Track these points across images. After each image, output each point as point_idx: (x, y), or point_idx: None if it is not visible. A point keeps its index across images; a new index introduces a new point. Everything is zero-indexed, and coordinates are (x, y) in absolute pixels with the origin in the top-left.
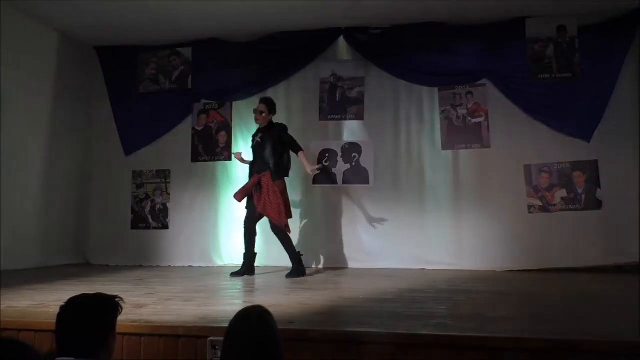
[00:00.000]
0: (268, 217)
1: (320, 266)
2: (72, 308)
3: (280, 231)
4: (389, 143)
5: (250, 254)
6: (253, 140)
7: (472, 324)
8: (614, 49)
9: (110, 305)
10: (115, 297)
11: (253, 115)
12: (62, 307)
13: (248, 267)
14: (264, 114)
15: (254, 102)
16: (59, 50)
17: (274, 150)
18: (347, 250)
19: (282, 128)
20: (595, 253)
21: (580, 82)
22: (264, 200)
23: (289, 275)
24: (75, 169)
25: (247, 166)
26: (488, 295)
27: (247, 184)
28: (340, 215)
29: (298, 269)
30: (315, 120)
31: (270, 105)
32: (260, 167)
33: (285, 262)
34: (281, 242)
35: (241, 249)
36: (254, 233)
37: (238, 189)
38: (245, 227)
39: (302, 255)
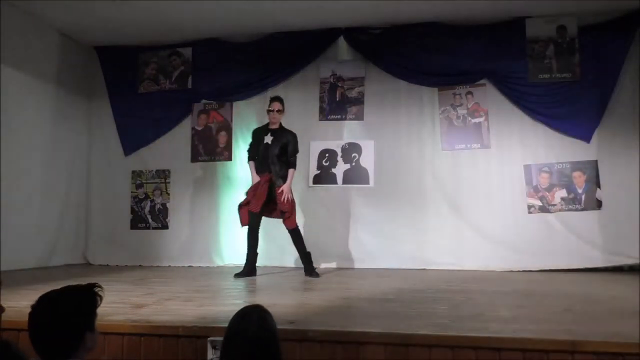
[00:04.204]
0: (286, 212)
1: (320, 266)
2: (42, 308)
3: (295, 229)
4: (389, 143)
5: (253, 255)
6: (261, 138)
7: (472, 324)
8: (614, 49)
9: (84, 300)
10: (94, 285)
11: (253, 116)
12: (32, 306)
13: (250, 267)
14: (281, 113)
15: (254, 102)
16: (59, 50)
17: (279, 155)
18: (347, 251)
19: (294, 135)
20: (595, 253)
21: (580, 82)
22: (282, 201)
23: (310, 275)
24: (75, 169)
25: (247, 167)
26: (488, 295)
27: (256, 186)
28: (340, 216)
29: (310, 267)
30: (315, 120)
31: (283, 104)
32: (267, 168)
33: (285, 262)
34: (294, 239)
35: (241, 248)
36: (257, 234)
37: (249, 198)
38: (249, 228)
39: (310, 253)
